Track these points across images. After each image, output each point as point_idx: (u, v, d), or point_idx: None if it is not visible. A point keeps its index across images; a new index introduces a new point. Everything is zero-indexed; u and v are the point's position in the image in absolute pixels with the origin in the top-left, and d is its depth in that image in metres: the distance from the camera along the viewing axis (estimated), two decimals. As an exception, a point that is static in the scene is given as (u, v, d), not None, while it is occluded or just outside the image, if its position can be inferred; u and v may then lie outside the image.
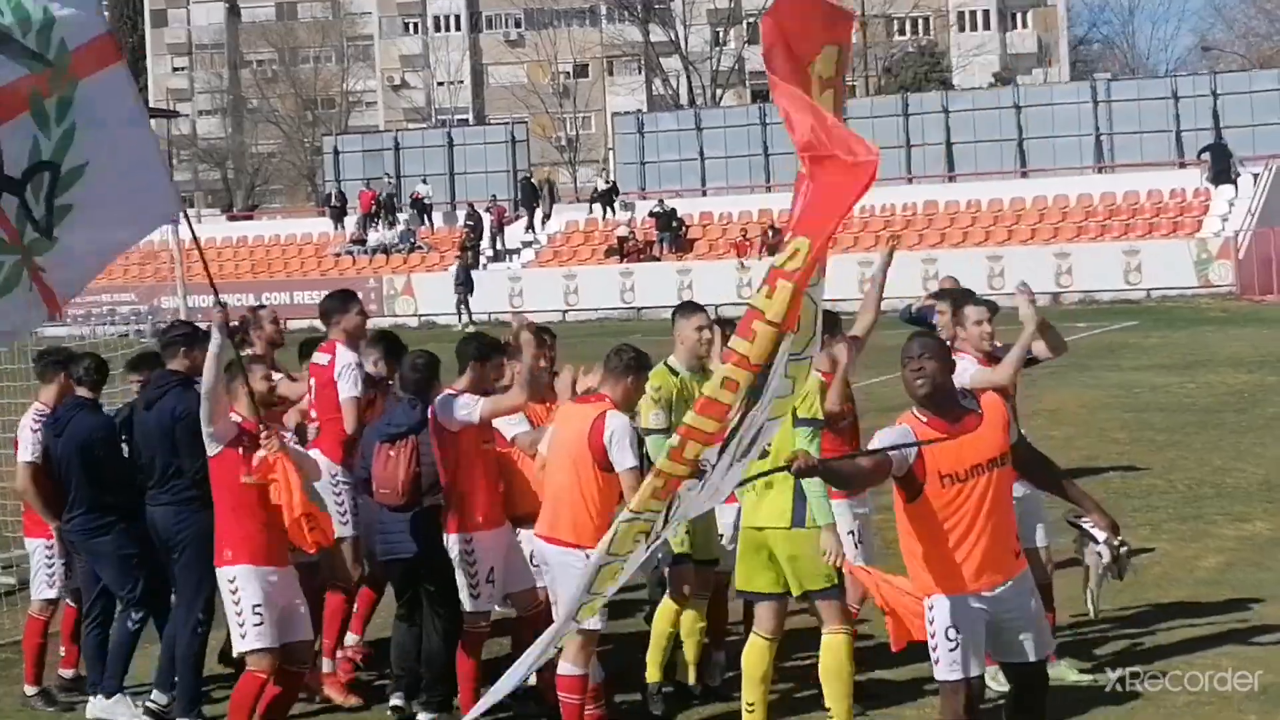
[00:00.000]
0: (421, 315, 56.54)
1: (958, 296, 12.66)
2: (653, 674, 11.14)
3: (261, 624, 10.50)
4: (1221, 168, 52.95)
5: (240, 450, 10.51)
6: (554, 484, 10.39)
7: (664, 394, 11.03)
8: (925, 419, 8.59)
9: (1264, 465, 19.65)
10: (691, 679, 11.36)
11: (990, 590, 8.62)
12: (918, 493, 8.59)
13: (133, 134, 10.54)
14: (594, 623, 10.06)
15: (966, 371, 11.09)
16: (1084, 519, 9.47)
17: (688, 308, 11.53)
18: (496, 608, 11.45)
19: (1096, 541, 9.79)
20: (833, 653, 10.09)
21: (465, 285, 55.45)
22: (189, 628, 11.32)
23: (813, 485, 9.88)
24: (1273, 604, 13.05)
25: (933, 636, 8.70)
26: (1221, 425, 23.06)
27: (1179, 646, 12.12)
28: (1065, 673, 11.34)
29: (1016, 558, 8.78)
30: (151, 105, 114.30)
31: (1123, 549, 9.64)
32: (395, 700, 11.30)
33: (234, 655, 11.04)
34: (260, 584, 10.53)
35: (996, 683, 11.26)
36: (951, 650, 8.60)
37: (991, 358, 11.59)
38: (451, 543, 11.05)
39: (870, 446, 8.70)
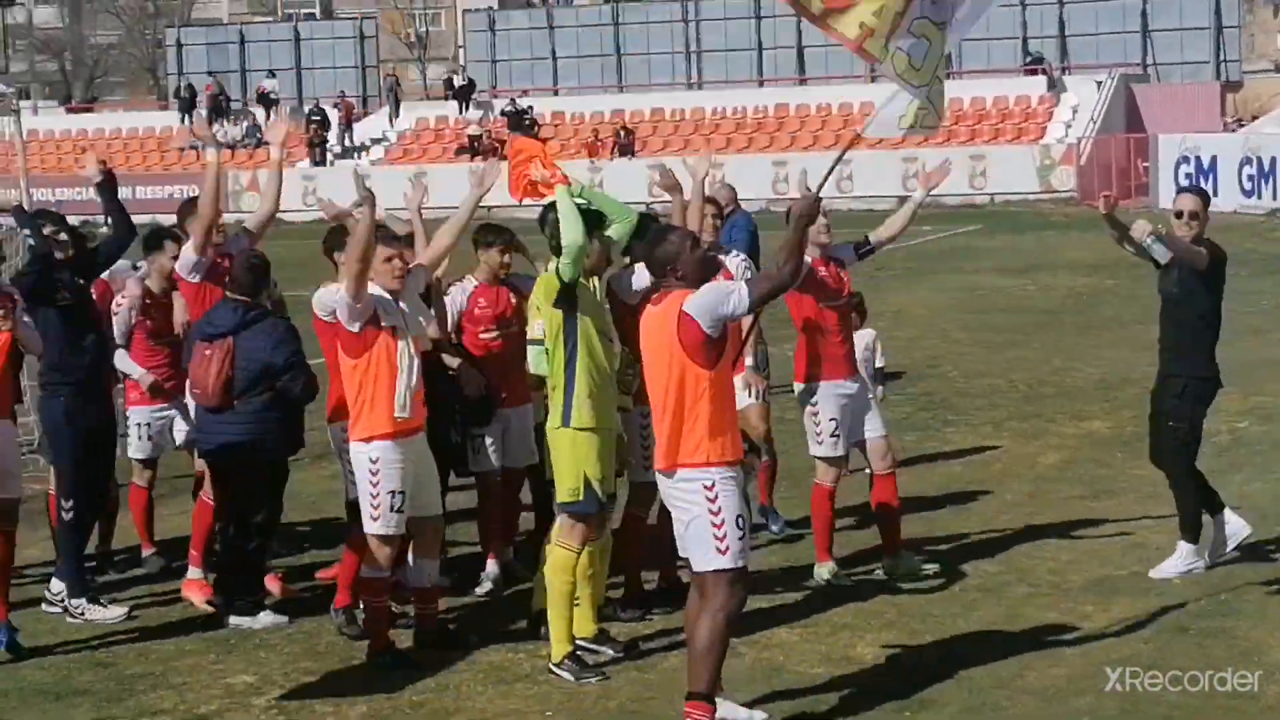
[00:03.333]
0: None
1: None
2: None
3: None
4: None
5: None
6: None
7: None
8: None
9: (1102, 365, 20.21)
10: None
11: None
12: (721, 355, 8.64)
13: None
14: (394, 528, 10.15)
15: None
16: None
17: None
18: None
19: None
20: (551, 566, 10.04)
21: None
22: (60, 513, 11.41)
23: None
24: (1108, 499, 13.58)
25: (719, 524, 8.58)
26: (1061, 326, 23.62)
27: (1020, 538, 12.61)
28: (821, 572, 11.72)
29: None
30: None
31: None
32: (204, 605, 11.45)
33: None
34: None
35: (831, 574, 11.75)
36: (740, 538, 8.63)
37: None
38: (332, 432, 11.13)
39: (721, 299, 8.59)
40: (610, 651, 10.25)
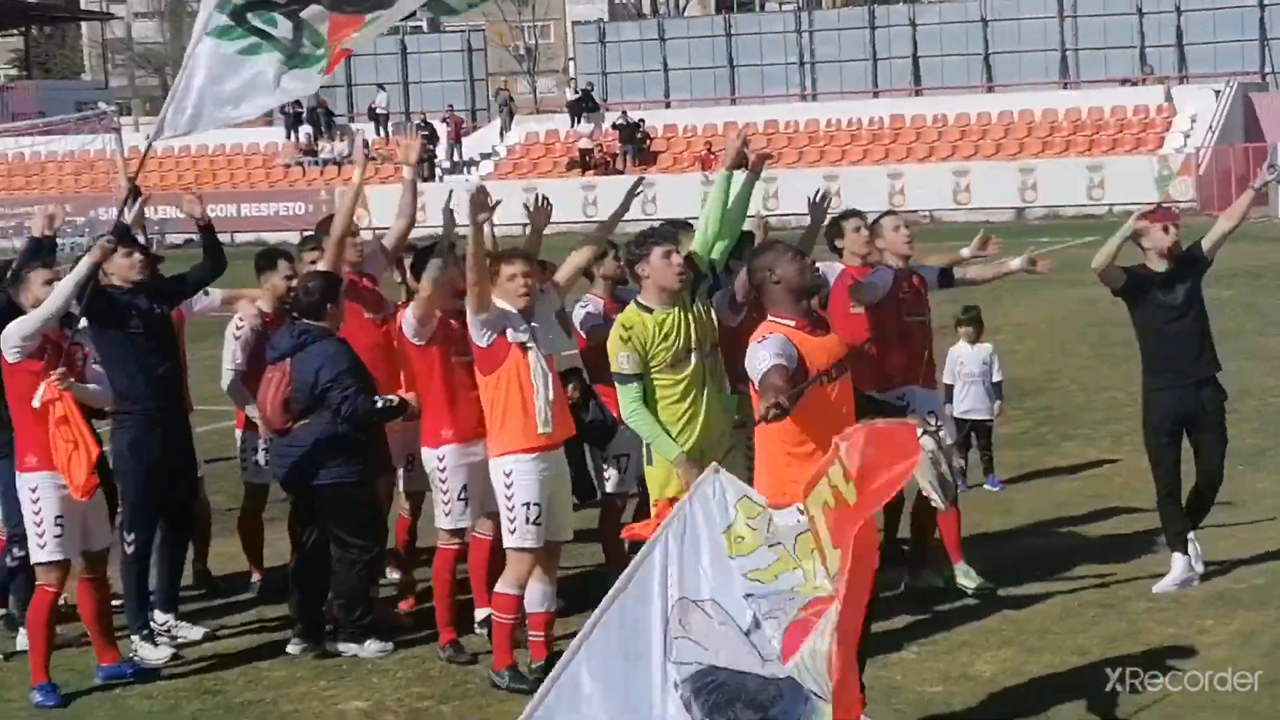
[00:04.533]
0: (375, 228, 56.07)
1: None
2: None
3: (61, 535, 10.54)
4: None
5: (44, 361, 10.51)
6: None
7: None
8: (794, 322, 8.65)
9: (1222, 378, 19.96)
10: None
11: None
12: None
13: None
14: (531, 540, 10.23)
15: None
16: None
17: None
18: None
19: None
20: None
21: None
22: (122, 547, 11.42)
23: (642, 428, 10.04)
24: (1227, 511, 13.49)
25: None
26: (1182, 339, 23.42)
27: (1141, 551, 12.70)
28: (965, 581, 11.89)
29: None
30: (83, 8, 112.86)
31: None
32: (294, 648, 11.30)
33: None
34: (61, 492, 10.50)
35: (969, 579, 11.84)
36: None
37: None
38: (425, 457, 11.13)
39: (750, 363, 8.62)
40: None
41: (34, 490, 10.60)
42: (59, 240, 11.42)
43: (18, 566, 11.51)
